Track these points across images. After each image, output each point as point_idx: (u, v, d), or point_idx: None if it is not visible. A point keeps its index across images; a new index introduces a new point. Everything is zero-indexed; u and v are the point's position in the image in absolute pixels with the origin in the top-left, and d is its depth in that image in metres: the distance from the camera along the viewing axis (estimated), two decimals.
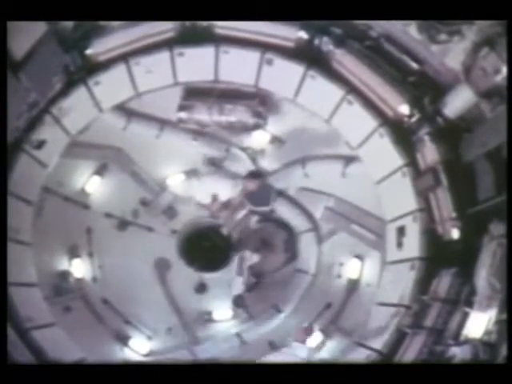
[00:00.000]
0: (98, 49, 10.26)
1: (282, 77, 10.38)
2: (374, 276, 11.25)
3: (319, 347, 10.92)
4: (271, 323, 12.22)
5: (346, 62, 9.97)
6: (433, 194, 9.46)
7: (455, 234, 9.13)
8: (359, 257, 11.80)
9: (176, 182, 12.49)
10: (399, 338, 9.16)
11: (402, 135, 9.88)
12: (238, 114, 11.13)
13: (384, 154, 10.01)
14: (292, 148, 11.98)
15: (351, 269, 11.86)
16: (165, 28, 10.22)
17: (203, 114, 11.22)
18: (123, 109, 11.44)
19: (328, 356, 11.28)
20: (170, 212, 12.59)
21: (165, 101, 11.27)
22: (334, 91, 10.16)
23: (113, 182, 12.35)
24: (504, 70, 7.78)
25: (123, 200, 12.48)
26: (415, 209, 9.73)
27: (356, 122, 10.22)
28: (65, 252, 12.02)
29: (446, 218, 9.29)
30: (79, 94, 10.44)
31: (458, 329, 8.09)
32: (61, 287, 11.63)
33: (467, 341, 7.71)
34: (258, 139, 11.99)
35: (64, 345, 10.14)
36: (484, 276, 7.94)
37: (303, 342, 10.61)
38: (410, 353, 8.83)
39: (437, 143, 9.40)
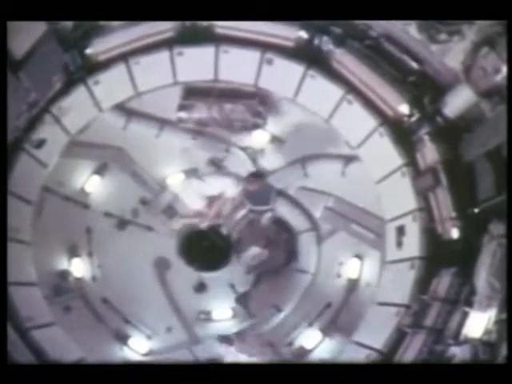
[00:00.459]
0: (97, 48, 10.26)
1: (282, 76, 10.38)
2: (373, 275, 11.24)
3: None
4: (271, 322, 12.22)
5: (345, 61, 9.97)
6: (432, 193, 9.47)
7: (455, 233, 9.14)
8: (359, 256, 11.80)
9: (176, 181, 12.47)
10: (399, 338, 9.18)
11: (402, 135, 9.88)
12: (238, 113, 11.12)
13: (384, 153, 10.02)
14: (292, 148, 11.98)
15: (351, 268, 11.86)
16: (164, 28, 10.22)
17: (203, 114, 11.22)
18: (123, 108, 11.43)
19: (328, 356, 11.30)
20: (170, 211, 12.58)
21: (165, 100, 11.26)
22: (334, 91, 10.17)
23: (113, 181, 12.34)
24: (504, 69, 7.78)
25: (123, 199, 12.47)
26: (415, 208, 9.74)
27: (356, 122, 10.23)
28: (64, 251, 12.01)
29: (445, 217, 9.30)
30: (79, 94, 10.44)
31: (458, 328, 8.11)
32: (60, 287, 11.62)
33: (467, 340, 7.72)
34: (258, 139, 11.99)
35: (64, 344, 10.14)
36: (484, 276, 7.95)
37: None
38: (409, 352, 8.84)
39: (437, 143, 9.40)
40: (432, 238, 9.57)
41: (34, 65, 8.85)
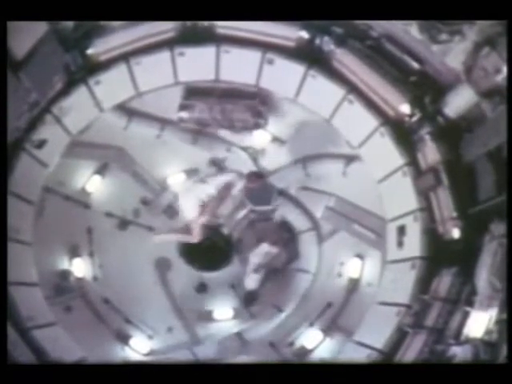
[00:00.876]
0: (98, 48, 10.28)
1: (283, 76, 10.39)
2: (374, 275, 11.23)
3: None
4: (272, 322, 12.22)
5: (346, 61, 9.98)
6: (433, 193, 9.47)
7: (456, 233, 9.14)
8: (360, 256, 11.79)
9: (176, 181, 12.48)
10: (400, 338, 9.17)
11: (403, 135, 9.89)
12: (239, 113, 11.14)
13: (385, 153, 10.02)
14: (293, 147, 12.00)
15: (352, 268, 11.85)
16: (165, 28, 10.23)
17: (204, 114, 11.23)
18: (124, 108, 11.44)
19: (328, 356, 11.30)
20: (171, 211, 12.58)
21: (165, 100, 11.28)
22: (335, 91, 10.17)
23: (113, 181, 12.36)
24: (504, 69, 7.79)
25: (124, 199, 12.48)
26: (416, 208, 9.74)
27: (357, 122, 10.23)
28: (65, 251, 12.01)
29: (446, 217, 9.29)
30: (80, 94, 10.45)
31: (459, 328, 8.10)
32: (61, 287, 11.63)
33: (468, 340, 7.71)
34: (259, 139, 12.00)
35: (65, 344, 10.13)
36: (485, 276, 7.94)
37: None
38: (410, 352, 8.84)
39: (437, 143, 9.41)
40: (433, 237, 9.57)
41: (35, 65, 8.86)
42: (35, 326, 9.87)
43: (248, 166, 12.07)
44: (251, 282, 11.83)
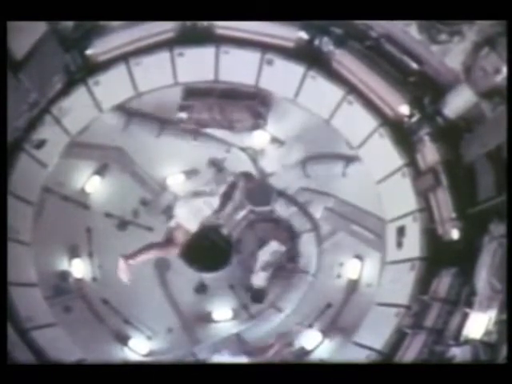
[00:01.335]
0: (98, 49, 10.28)
1: (283, 77, 10.39)
2: (373, 276, 11.23)
3: None
4: (271, 323, 12.20)
5: (346, 62, 9.98)
6: (433, 194, 9.46)
7: (455, 234, 9.13)
8: (359, 257, 11.78)
9: (176, 181, 12.47)
10: (399, 338, 9.16)
11: (402, 135, 9.88)
12: (238, 114, 11.14)
13: (384, 154, 10.02)
14: (292, 148, 11.99)
15: (351, 269, 11.84)
16: (165, 28, 10.23)
17: (203, 114, 11.23)
18: (123, 109, 11.44)
19: (328, 356, 11.29)
20: (170, 212, 12.55)
21: (165, 101, 11.28)
22: (334, 91, 10.17)
23: (113, 182, 12.34)
24: (504, 70, 7.79)
25: (123, 200, 12.47)
26: (415, 209, 9.74)
27: (356, 122, 10.23)
28: (65, 252, 12.00)
29: (446, 218, 9.29)
30: (79, 94, 10.46)
31: (458, 329, 8.09)
32: (61, 287, 11.62)
33: (467, 341, 7.70)
34: (259, 139, 11.99)
35: (64, 345, 10.13)
36: (484, 276, 7.94)
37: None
38: (410, 353, 8.83)
39: (437, 143, 9.40)
40: (432, 238, 9.57)
41: (35, 65, 8.87)
42: (34, 327, 9.86)
43: (248, 167, 12.07)
44: (259, 279, 11.81)
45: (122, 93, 10.86)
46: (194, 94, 11.21)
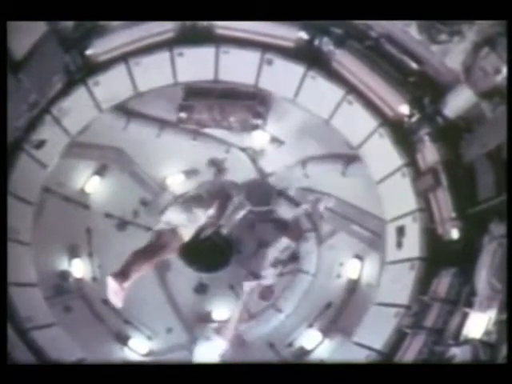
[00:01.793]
0: (98, 49, 10.27)
1: (282, 77, 10.38)
2: (373, 276, 11.25)
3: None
4: (271, 323, 12.22)
5: (346, 62, 9.97)
6: (433, 194, 9.46)
7: (455, 234, 9.13)
8: (359, 257, 11.81)
9: (176, 182, 12.47)
10: (399, 338, 9.16)
11: (402, 135, 9.88)
12: (238, 114, 11.15)
13: (384, 154, 10.02)
14: (292, 148, 12.00)
15: (351, 269, 11.87)
16: (165, 28, 10.23)
17: (203, 114, 11.24)
18: (123, 109, 11.45)
19: (328, 356, 11.30)
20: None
21: (165, 101, 11.28)
22: (334, 91, 10.17)
23: (113, 182, 12.36)
24: (504, 70, 7.78)
25: (123, 200, 12.48)
26: (415, 209, 9.73)
27: (356, 122, 10.23)
28: (65, 252, 12.03)
29: (445, 218, 9.29)
30: (79, 94, 10.45)
31: (458, 329, 8.08)
32: (61, 287, 11.65)
33: (467, 341, 7.70)
34: (258, 139, 12.01)
35: (64, 345, 10.13)
36: (484, 276, 7.93)
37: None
38: (410, 353, 8.82)
39: (437, 143, 9.40)
40: (432, 238, 9.56)
41: (34, 65, 8.87)
42: (34, 327, 9.86)
43: (247, 167, 12.09)
44: (268, 277, 11.79)
45: (121, 93, 10.85)
46: (193, 94, 11.22)
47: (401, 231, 9.99)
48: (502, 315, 7.33)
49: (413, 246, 9.69)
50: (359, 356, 9.48)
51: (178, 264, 12.30)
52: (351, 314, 11.52)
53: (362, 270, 11.77)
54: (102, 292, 11.99)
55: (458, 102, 9.02)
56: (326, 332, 11.74)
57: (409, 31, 8.93)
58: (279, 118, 11.54)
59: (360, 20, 9.36)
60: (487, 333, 7.47)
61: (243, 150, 12.29)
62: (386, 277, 10.19)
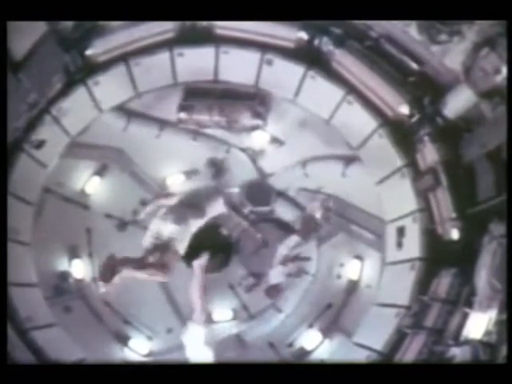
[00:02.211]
0: (97, 49, 10.28)
1: (282, 77, 10.39)
2: (373, 276, 11.24)
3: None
4: (271, 323, 12.21)
5: (345, 62, 9.99)
6: (433, 194, 9.47)
7: (455, 234, 9.15)
8: (359, 257, 11.79)
9: (176, 182, 12.46)
10: (399, 339, 9.17)
11: (402, 136, 9.90)
12: (238, 114, 11.14)
13: (384, 154, 10.02)
14: (292, 148, 11.99)
15: (351, 269, 11.86)
16: (165, 28, 10.24)
17: (203, 115, 11.23)
18: (123, 109, 11.44)
19: (328, 356, 11.29)
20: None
21: (165, 101, 11.28)
22: (334, 91, 10.18)
23: (113, 182, 12.34)
24: (504, 70, 7.80)
25: (123, 200, 12.45)
26: (415, 209, 9.75)
27: (356, 123, 10.23)
28: (65, 252, 12.00)
29: (445, 218, 9.30)
30: (79, 95, 10.45)
31: (458, 329, 8.10)
32: (61, 287, 11.62)
33: (467, 341, 7.71)
34: (258, 140, 11.99)
35: (64, 345, 10.12)
36: (484, 276, 7.94)
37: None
38: (410, 353, 8.83)
39: (437, 143, 9.42)
40: (432, 238, 9.58)
41: (34, 65, 8.87)
42: (34, 327, 9.85)
43: (247, 167, 12.08)
44: (277, 274, 11.77)
45: (121, 93, 10.85)
46: (193, 94, 11.21)
47: (401, 231, 10.00)
48: (502, 315, 7.34)
49: (413, 246, 9.70)
50: (359, 356, 9.49)
51: (178, 264, 12.32)
52: (351, 314, 11.51)
53: (362, 271, 11.76)
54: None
55: (458, 102, 9.03)
56: (327, 332, 11.73)
57: (409, 31, 8.95)
58: (279, 118, 11.54)
59: (360, 20, 9.37)
60: (487, 333, 7.48)
61: (243, 150, 12.29)
62: (386, 277, 10.21)
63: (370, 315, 10.10)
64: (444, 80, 9.28)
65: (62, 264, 11.97)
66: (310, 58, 10.19)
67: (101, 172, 12.28)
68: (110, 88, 10.61)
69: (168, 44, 10.37)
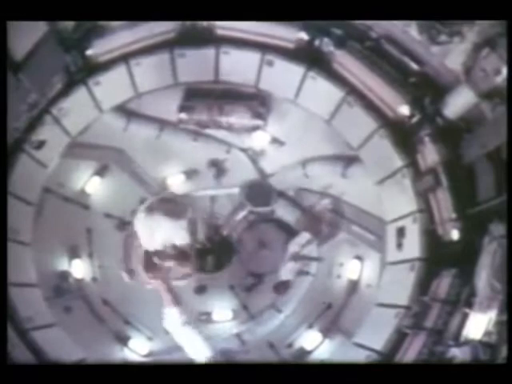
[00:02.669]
0: (98, 49, 10.28)
1: (283, 78, 10.40)
2: (374, 277, 11.24)
3: None
4: (271, 323, 12.21)
5: (346, 62, 9.99)
6: (433, 194, 9.48)
7: (455, 234, 9.15)
8: (359, 257, 11.79)
9: (176, 182, 12.47)
10: (399, 339, 9.18)
11: (403, 136, 9.91)
12: (239, 114, 11.14)
13: (384, 155, 10.03)
14: (292, 149, 11.99)
15: (351, 269, 11.85)
16: (165, 29, 10.24)
17: (203, 115, 11.24)
18: (123, 109, 11.44)
19: (328, 356, 11.29)
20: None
21: (165, 101, 11.28)
22: (335, 92, 10.19)
23: (113, 182, 12.34)
24: (504, 70, 7.80)
25: (123, 200, 12.45)
26: (415, 210, 9.75)
27: (356, 123, 10.24)
28: (65, 252, 12.00)
29: (446, 218, 9.30)
30: (79, 95, 10.45)
31: (458, 330, 8.10)
32: (61, 287, 11.62)
33: (467, 342, 7.72)
34: (259, 140, 11.99)
35: (64, 345, 10.13)
36: (484, 277, 7.94)
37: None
38: (410, 353, 8.84)
39: (437, 144, 9.42)
40: (432, 239, 9.58)
41: (35, 65, 8.87)
42: (34, 327, 9.86)
43: (248, 167, 12.09)
44: (287, 271, 11.76)
45: (122, 93, 10.86)
46: (194, 94, 11.22)
47: (401, 232, 10.01)
48: (502, 316, 7.35)
49: (413, 246, 9.71)
50: (359, 356, 9.49)
51: None
52: (351, 314, 11.51)
53: (362, 271, 11.76)
54: (103, 292, 12.10)
55: (459, 102, 9.03)
56: (326, 332, 11.73)
57: (409, 32, 8.96)
58: (279, 118, 11.54)
59: (360, 20, 9.37)
60: (487, 333, 7.49)
61: (244, 150, 12.29)
62: (386, 277, 10.22)
63: (370, 315, 10.10)
64: (444, 80, 9.28)
65: (62, 264, 11.97)
66: (311, 58, 10.20)
67: (101, 172, 12.28)
68: (110, 88, 10.62)
69: (168, 44, 10.38)
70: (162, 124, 11.88)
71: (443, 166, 9.33)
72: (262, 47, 10.28)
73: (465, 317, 8.10)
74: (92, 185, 12.23)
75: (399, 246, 10.05)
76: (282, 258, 12.17)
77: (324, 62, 10.19)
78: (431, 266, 9.46)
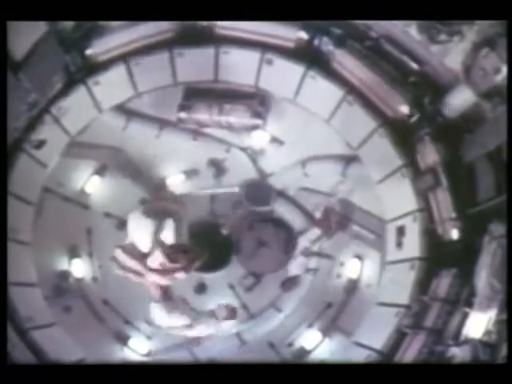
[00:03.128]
0: (97, 49, 10.28)
1: (282, 77, 10.39)
2: (373, 276, 11.24)
3: None
4: (271, 323, 12.21)
5: (346, 62, 9.99)
6: (433, 194, 9.48)
7: (455, 234, 9.16)
8: (359, 257, 11.79)
9: (175, 181, 12.46)
10: (399, 338, 9.19)
11: (402, 135, 9.91)
12: (238, 114, 11.13)
13: (384, 154, 10.03)
14: (292, 148, 11.98)
15: (351, 269, 11.85)
16: (165, 28, 10.23)
17: (203, 114, 11.22)
18: (123, 109, 11.42)
19: (328, 355, 11.30)
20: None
21: (164, 101, 11.27)
22: (334, 91, 10.18)
23: (112, 182, 12.33)
24: (504, 70, 7.79)
25: (123, 200, 12.43)
26: (415, 209, 9.76)
27: (356, 122, 10.23)
28: (65, 252, 12.00)
29: (445, 218, 9.31)
30: (79, 94, 10.45)
31: (458, 329, 8.11)
32: (61, 287, 11.62)
33: (467, 341, 7.72)
34: (258, 139, 11.99)
35: (64, 345, 10.14)
36: (484, 276, 7.95)
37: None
38: (409, 353, 8.86)
39: (437, 143, 9.42)
40: (432, 238, 9.59)
41: (34, 65, 8.86)
42: (34, 327, 9.87)
43: (247, 167, 12.08)
44: (296, 267, 11.73)
45: (121, 93, 10.85)
46: (193, 94, 11.20)
47: (401, 231, 10.02)
48: (502, 315, 7.36)
49: (413, 246, 9.71)
50: (359, 356, 9.50)
51: None
52: (351, 313, 11.51)
53: (362, 270, 11.76)
54: (103, 292, 12.10)
55: (458, 102, 9.03)
56: (326, 332, 11.73)
57: (409, 31, 8.95)
58: (279, 117, 11.53)
59: (360, 20, 9.36)
60: (487, 333, 7.50)
61: (243, 149, 12.28)
62: (386, 277, 10.22)
63: (369, 315, 10.12)
64: (444, 80, 9.28)
65: (62, 264, 11.97)
66: (310, 57, 10.19)
67: (100, 171, 12.27)
68: (109, 88, 10.61)
69: (168, 44, 10.36)
70: (162, 123, 11.86)
71: (443, 166, 9.33)
72: (262, 46, 10.27)
73: (465, 316, 8.11)
74: (92, 184, 12.22)
75: (399, 245, 10.06)
76: (282, 258, 12.21)
77: (324, 61, 10.18)
78: (431, 266, 9.47)
